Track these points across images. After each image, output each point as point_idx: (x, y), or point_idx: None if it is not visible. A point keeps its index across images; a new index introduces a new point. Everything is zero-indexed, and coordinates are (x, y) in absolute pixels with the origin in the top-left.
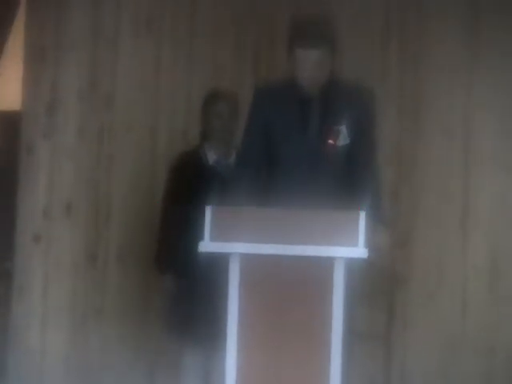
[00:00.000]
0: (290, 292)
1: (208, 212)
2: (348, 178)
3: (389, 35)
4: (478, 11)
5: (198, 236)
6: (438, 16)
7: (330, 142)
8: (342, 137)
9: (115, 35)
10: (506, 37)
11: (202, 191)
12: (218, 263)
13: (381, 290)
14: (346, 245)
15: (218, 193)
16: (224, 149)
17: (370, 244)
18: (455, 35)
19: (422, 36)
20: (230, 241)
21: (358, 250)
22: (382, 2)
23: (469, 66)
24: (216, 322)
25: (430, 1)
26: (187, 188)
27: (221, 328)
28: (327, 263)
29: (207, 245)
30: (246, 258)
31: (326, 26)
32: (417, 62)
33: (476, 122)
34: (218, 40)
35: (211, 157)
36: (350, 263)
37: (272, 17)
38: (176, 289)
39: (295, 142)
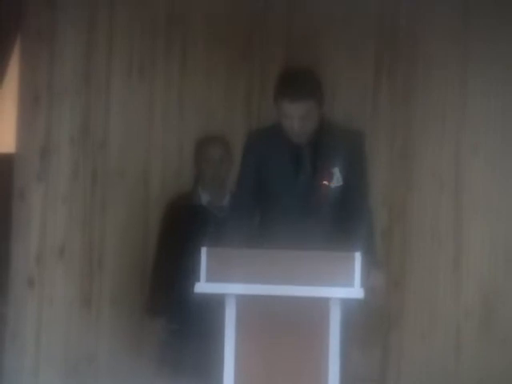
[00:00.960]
0: (286, 332)
1: (203, 253)
2: (341, 219)
3: (379, 78)
4: (467, 52)
5: (191, 280)
6: (429, 58)
7: (325, 183)
8: (335, 178)
9: (107, 80)
10: (495, 79)
11: (196, 233)
12: (211, 307)
13: (374, 330)
14: (341, 285)
15: (211, 235)
16: (217, 191)
17: (364, 286)
18: (446, 79)
19: (413, 78)
20: (226, 282)
21: (354, 291)
22: (373, 43)
23: (459, 111)
24: (209, 366)
25: (420, 42)
26: (180, 230)
27: (214, 372)
28: (323, 303)
29: (203, 286)
30: (242, 299)
31: (312, 78)
32: (407, 105)
33: (466, 166)
34: (209, 85)
35: (205, 199)
36: (346, 303)
37: (263, 62)
38: (169, 333)
39: (288, 184)
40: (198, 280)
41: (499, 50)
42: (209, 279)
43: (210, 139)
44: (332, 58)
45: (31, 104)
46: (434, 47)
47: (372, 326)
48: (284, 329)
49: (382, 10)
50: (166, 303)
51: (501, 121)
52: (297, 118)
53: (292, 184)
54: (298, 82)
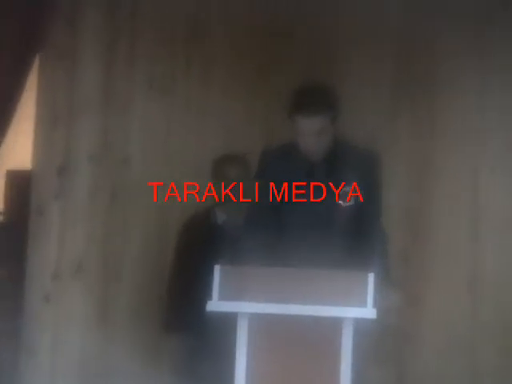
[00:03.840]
0: (298, 352)
1: (217, 271)
2: (355, 238)
3: (399, 99)
4: (486, 71)
5: (206, 296)
6: (447, 79)
7: (340, 202)
8: (349, 197)
9: (127, 97)
10: None
11: (210, 251)
12: (227, 322)
13: (390, 348)
14: (354, 305)
15: (226, 253)
16: (234, 209)
17: (379, 305)
18: (464, 98)
19: (430, 99)
20: (239, 300)
21: (367, 311)
22: (390, 61)
23: (478, 131)
24: (224, 381)
25: (440, 65)
26: (195, 248)
27: None
28: (336, 323)
29: (215, 304)
30: (255, 318)
31: (327, 93)
32: (425, 126)
33: (484, 186)
34: (229, 102)
35: (220, 217)
36: (359, 323)
37: (283, 79)
38: (186, 350)
39: (302, 202)
40: (211, 298)
41: None
42: (221, 297)
43: (229, 158)
44: (350, 75)
45: (50, 122)
46: (452, 67)
47: (387, 344)
48: (296, 348)
49: (400, 28)
50: (183, 320)
51: None
52: (312, 133)
53: (305, 203)
54: (312, 97)
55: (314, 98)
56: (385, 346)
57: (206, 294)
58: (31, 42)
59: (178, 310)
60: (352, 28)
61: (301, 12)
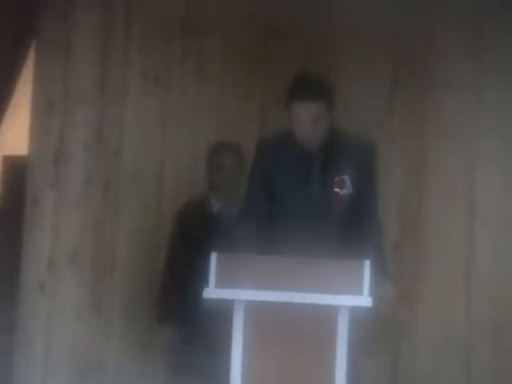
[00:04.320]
0: (293, 339)
1: (213, 259)
2: (350, 228)
3: (394, 92)
4: (482, 67)
5: (201, 285)
6: (444, 74)
7: (335, 190)
8: (345, 186)
9: (122, 87)
10: (510, 92)
11: (205, 240)
12: (221, 312)
13: (384, 341)
14: (350, 293)
15: (221, 241)
16: (229, 198)
17: (373, 296)
18: (461, 93)
19: (427, 93)
20: (235, 288)
21: (363, 299)
22: (388, 59)
23: (474, 124)
24: (220, 372)
25: (436, 56)
26: (190, 236)
27: (225, 377)
28: (331, 311)
29: (212, 291)
30: (251, 305)
31: (324, 81)
32: (421, 118)
33: (480, 179)
34: (224, 94)
35: (215, 206)
36: (355, 312)
37: (279, 72)
38: (179, 339)
39: (298, 191)
40: (207, 285)
41: None
42: (218, 285)
43: (223, 146)
44: (348, 73)
45: (46, 111)
46: (449, 66)
47: (382, 336)
48: (292, 335)
49: (398, 27)
50: (176, 309)
51: None
52: (308, 120)
53: (302, 191)
54: (308, 84)
55: (309, 85)
56: (379, 340)
57: (200, 283)
58: (26, 33)
59: (172, 300)
60: (350, 26)
61: (297, 8)
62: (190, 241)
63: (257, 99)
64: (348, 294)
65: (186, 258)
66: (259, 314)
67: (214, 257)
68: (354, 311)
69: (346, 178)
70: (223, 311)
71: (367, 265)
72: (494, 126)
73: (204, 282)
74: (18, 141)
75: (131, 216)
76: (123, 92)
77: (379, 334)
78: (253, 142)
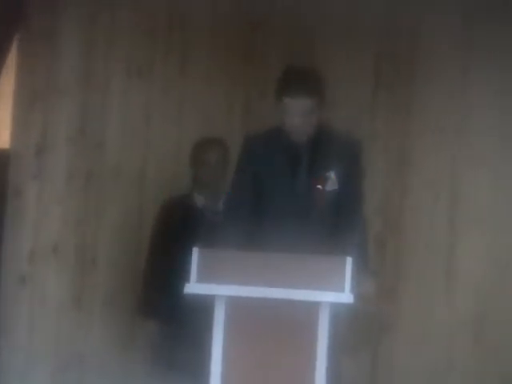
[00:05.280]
0: (274, 335)
1: (195, 254)
2: (334, 224)
3: (378, 88)
4: (467, 63)
5: (183, 280)
6: (428, 70)
7: (319, 186)
8: (330, 182)
9: (106, 81)
10: (495, 90)
11: (189, 234)
12: (202, 307)
13: (365, 337)
14: (331, 290)
15: (205, 236)
16: (213, 193)
17: (355, 292)
18: (445, 90)
19: (411, 89)
20: (216, 283)
21: (344, 296)
22: (372, 55)
23: (457, 122)
24: (202, 367)
25: (420, 55)
26: (174, 231)
27: (207, 372)
28: (313, 307)
29: (193, 286)
30: (232, 301)
31: (314, 76)
32: (404, 115)
33: (462, 176)
34: (208, 88)
35: (200, 201)
36: (336, 308)
37: (263, 67)
38: (161, 333)
39: (283, 187)
40: (188, 281)
41: (500, 62)
42: (199, 280)
43: (208, 141)
44: (331, 67)
45: (28, 102)
46: (434, 59)
47: (363, 333)
48: (273, 331)
49: (382, 26)
50: (158, 304)
51: (498, 133)
52: (298, 114)
53: (287, 186)
54: (301, 78)
55: (301, 78)
56: (359, 335)
57: (182, 278)
58: (10, 24)
59: (154, 295)
60: (333, 24)
61: (281, 4)
62: (174, 235)
63: (241, 93)
64: (329, 291)
65: (168, 253)
66: (240, 309)
67: (195, 252)
68: (336, 307)
69: (332, 174)
70: (206, 307)
71: (349, 261)
72: (478, 121)
73: (185, 278)
74: (0, 136)
75: (113, 209)
76: (107, 85)
77: (360, 331)
78: (237, 136)
